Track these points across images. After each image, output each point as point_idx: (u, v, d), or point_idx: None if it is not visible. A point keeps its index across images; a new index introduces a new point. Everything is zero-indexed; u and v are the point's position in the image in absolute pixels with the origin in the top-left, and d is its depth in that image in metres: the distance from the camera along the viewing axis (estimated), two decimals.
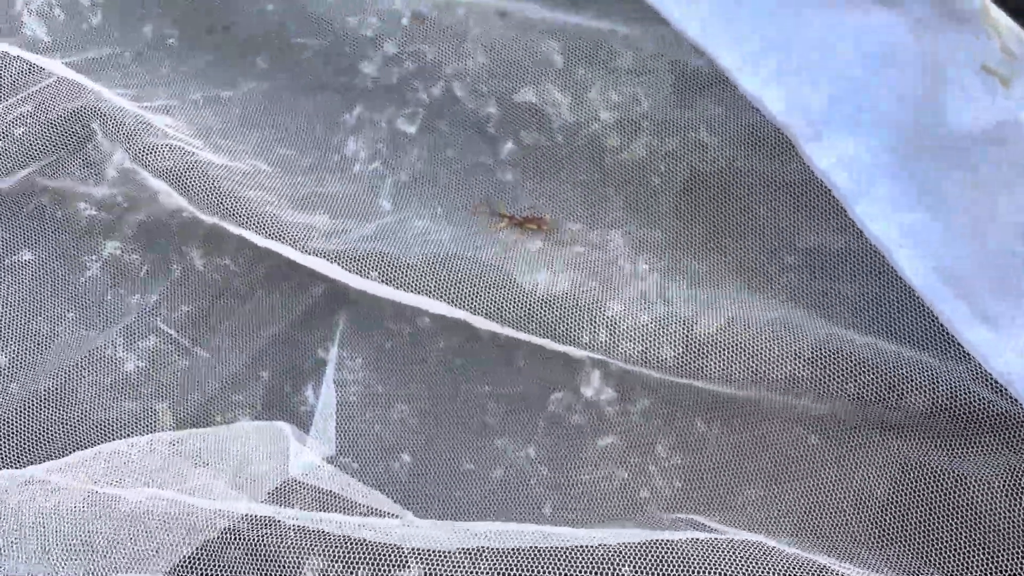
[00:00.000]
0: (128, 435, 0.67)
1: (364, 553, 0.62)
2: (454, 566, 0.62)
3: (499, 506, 0.69)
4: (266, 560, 0.62)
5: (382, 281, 0.69)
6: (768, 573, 0.60)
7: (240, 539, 0.62)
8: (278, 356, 0.74)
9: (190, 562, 0.61)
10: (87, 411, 0.70)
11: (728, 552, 0.62)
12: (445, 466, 0.71)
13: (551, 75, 0.81)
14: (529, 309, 0.71)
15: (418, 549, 0.62)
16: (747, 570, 0.61)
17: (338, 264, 0.68)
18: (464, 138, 0.80)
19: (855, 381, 0.66)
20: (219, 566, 0.61)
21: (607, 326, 0.72)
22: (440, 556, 0.62)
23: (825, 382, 0.67)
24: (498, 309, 0.70)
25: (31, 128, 0.70)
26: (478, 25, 0.82)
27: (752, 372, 0.69)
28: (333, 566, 0.62)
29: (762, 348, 0.69)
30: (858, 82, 0.60)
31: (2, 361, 0.71)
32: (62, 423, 0.69)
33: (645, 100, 0.81)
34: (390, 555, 0.62)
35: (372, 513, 0.63)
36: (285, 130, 0.79)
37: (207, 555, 0.61)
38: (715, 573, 0.61)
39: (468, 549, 0.62)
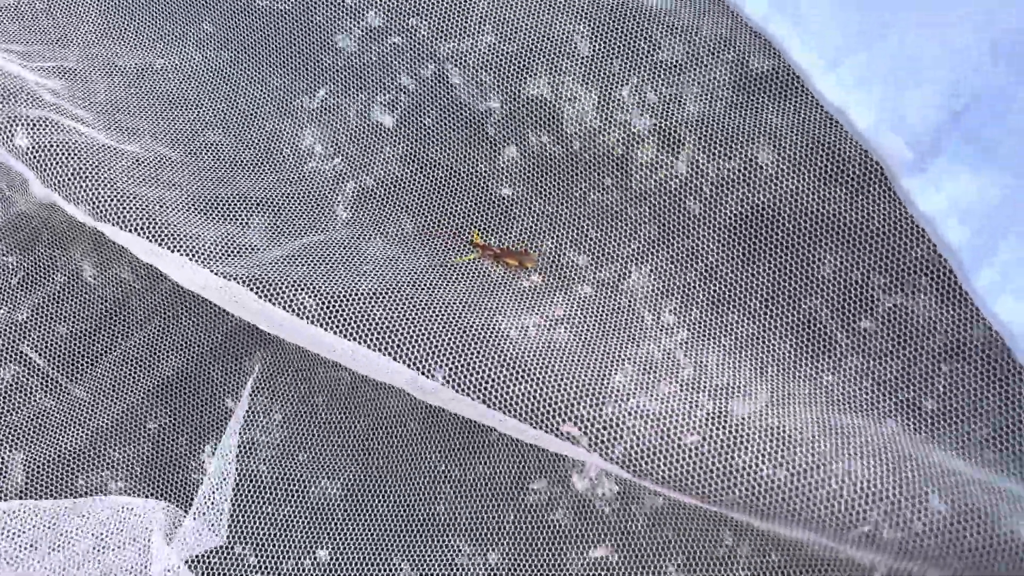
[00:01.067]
0: None
1: None
2: None
3: None
4: None
5: (313, 319, 0.52)
6: None
7: None
8: (174, 402, 0.57)
9: None
10: None
11: None
12: (372, 569, 0.54)
13: (574, 64, 0.64)
14: (511, 371, 0.54)
15: None
16: None
17: (252, 289, 0.51)
18: (455, 137, 0.63)
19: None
20: None
21: (614, 399, 0.55)
22: None
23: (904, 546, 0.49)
24: (468, 372, 0.53)
25: None
26: None
27: (796, 494, 0.52)
28: None
29: (813, 466, 0.51)
30: (988, 89, 0.41)
31: None
32: None
33: (692, 104, 0.63)
34: None
35: None
36: (226, 112, 0.62)
37: None
38: None
39: None
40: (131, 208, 0.52)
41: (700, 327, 0.59)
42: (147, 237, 0.50)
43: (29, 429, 0.56)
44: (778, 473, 0.53)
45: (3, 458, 0.55)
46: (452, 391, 0.51)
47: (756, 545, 0.55)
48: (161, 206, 0.53)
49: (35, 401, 0.57)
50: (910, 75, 0.42)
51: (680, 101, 0.63)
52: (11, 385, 0.57)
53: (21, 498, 0.51)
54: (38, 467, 0.55)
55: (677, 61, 0.64)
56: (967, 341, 0.55)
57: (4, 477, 0.54)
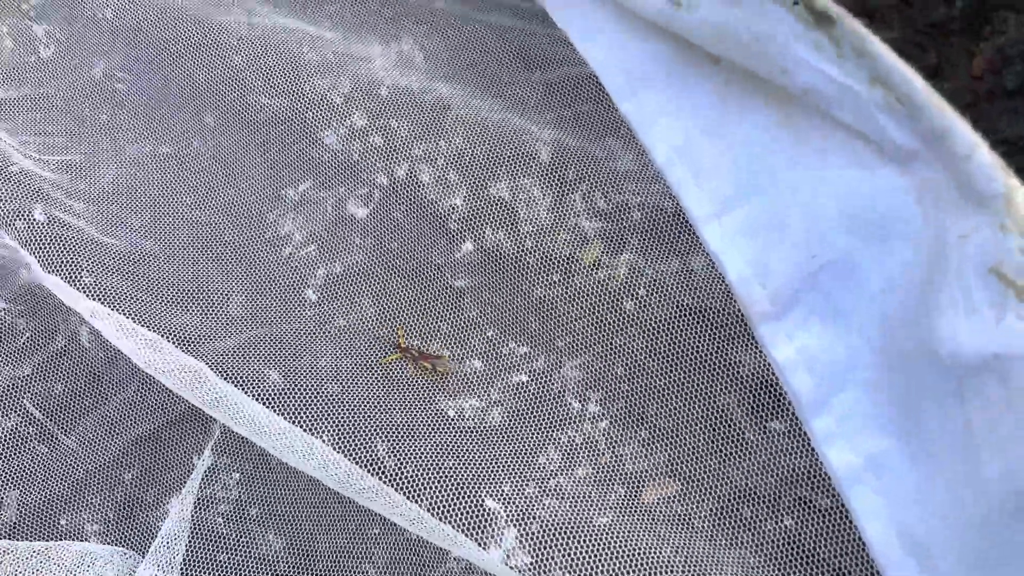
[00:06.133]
0: None
1: None
2: None
3: None
4: None
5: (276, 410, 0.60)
6: None
7: None
8: (147, 457, 0.66)
9: None
10: None
11: None
12: None
13: (534, 169, 0.71)
14: (442, 450, 0.61)
15: None
16: None
17: (217, 372, 0.59)
18: (419, 230, 0.71)
19: None
20: None
21: (537, 478, 0.61)
22: None
23: None
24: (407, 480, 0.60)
25: None
26: (462, 104, 0.73)
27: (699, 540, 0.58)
28: None
29: (718, 518, 0.57)
30: (841, 254, 0.47)
31: None
32: None
33: (638, 211, 0.69)
34: None
35: None
36: (215, 198, 0.71)
37: None
38: None
39: None
40: (107, 299, 0.61)
41: (622, 418, 0.65)
42: (117, 327, 0.59)
43: (25, 472, 0.65)
44: (677, 559, 0.59)
45: (1, 496, 0.64)
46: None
47: None
48: (131, 301, 0.62)
49: (31, 448, 0.66)
50: (777, 235, 0.48)
51: (626, 208, 0.70)
52: (12, 433, 0.66)
53: (11, 532, 0.59)
54: (29, 506, 0.64)
55: (628, 170, 0.71)
56: None
57: (0, 512, 0.63)
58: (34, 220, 0.64)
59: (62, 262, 0.62)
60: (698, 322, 0.65)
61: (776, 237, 0.48)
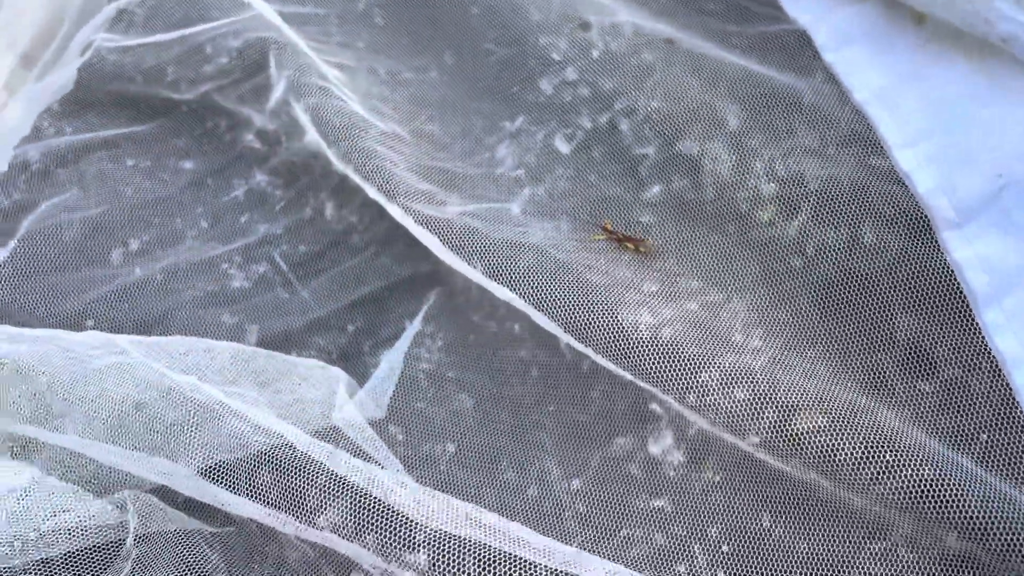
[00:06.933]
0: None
1: (378, 521, 0.61)
2: (463, 562, 0.59)
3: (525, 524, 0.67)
4: (289, 494, 0.63)
5: (485, 272, 0.70)
6: None
7: (272, 465, 0.63)
8: (367, 315, 0.76)
9: (222, 469, 0.63)
10: (186, 310, 0.76)
11: None
12: (486, 468, 0.70)
13: (721, 133, 0.79)
14: (623, 346, 0.68)
15: (431, 535, 0.60)
16: None
17: (438, 236, 0.70)
18: (613, 170, 0.80)
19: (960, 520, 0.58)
20: (247, 482, 0.63)
21: (698, 391, 0.68)
22: (451, 547, 0.60)
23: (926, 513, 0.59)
24: (589, 332, 0.68)
25: (218, 48, 0.80)
26: (664, 68, 0.82)
27: (841, 479, 0.63)
28: (346, 523, 0.62)
29: (860, 458, 0.62)
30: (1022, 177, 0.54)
31: (134, 246, 0.79)
32: (162, 313, 0.76)
33: (813, 182, 0.76)
34: (402, 532, 0.61)
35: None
36: (447, 118, 0.82)
37: (239, 468, 0.63)
38: None
39: (481, 550, 0.60)
40: (368, 160, 0.74)
41: (780, 356, 0.70)
42: (373, 183, 0.72)
43: (266, 311, 0.77)
44: (817, 483, 0.64)
45: (244, 328, 0.75)
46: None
47: (788, 530, 0.66)
48: (388, 163, 0.74)
49: (274, 293, 0.78)
50: (966, 158, 0.55)
51: (803, 178, 0.76)
52: (261, 278, 0.79)
53: None
54: (266, 337, 0.75)
55: (808, 146, 0.77)
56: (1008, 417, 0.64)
57: (243, 339, 0.74)
58: (316, 96, 0.77)
59: (336, 133, 0.76)
60: (861, 285, 0.70)
61: (965, 162, 0.55)
